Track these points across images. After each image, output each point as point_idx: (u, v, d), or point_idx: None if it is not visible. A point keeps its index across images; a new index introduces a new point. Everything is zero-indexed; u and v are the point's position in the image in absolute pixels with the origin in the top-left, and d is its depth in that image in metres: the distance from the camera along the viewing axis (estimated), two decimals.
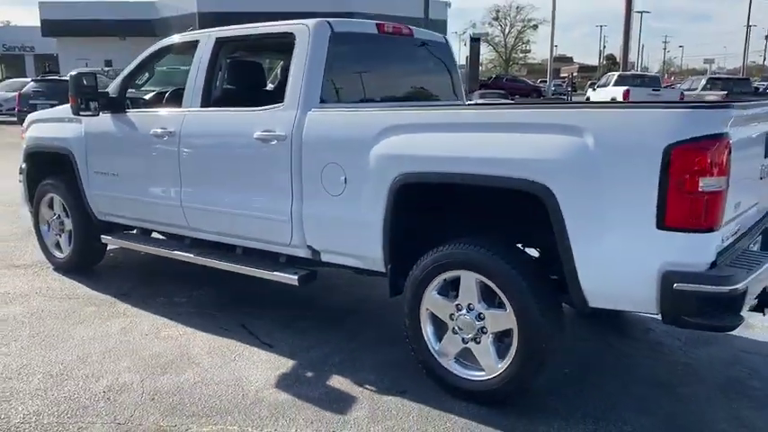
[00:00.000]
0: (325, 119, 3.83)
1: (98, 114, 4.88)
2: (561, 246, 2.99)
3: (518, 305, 3.17)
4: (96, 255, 5.66)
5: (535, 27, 75.74)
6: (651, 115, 2.83)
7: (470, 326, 3.36)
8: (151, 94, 5.48)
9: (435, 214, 3.59)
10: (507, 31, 78.35)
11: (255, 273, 4.23)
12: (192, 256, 4.62)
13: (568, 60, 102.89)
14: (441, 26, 43.12)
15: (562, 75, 74.74)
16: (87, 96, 4.77)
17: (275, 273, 4.12)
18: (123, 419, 3.23)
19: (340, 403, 3.42)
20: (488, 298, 3.30)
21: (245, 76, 4.78)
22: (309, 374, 3.77)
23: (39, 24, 40.83)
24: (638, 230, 2.80)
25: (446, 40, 5.08)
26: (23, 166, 5.87)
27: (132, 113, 4.93)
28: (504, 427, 3.21)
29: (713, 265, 2.81)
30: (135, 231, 5.28)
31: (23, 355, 3.99)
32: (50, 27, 40.45)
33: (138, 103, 5.28)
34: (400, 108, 3.88)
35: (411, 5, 40.29)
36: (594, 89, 25.10)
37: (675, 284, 2.74)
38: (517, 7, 74.89)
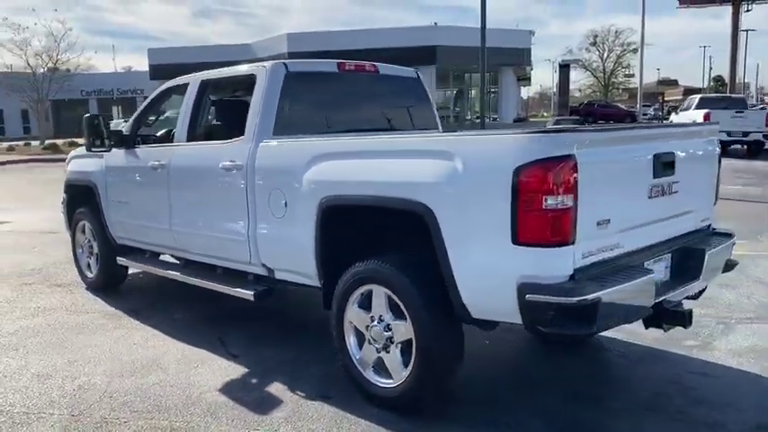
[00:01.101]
0: (271, 149, 4.26)
1: (109, 150, 5.57)
2: (442, 261, 3.24)
3: (415, 317, 3.42)
4: (118, 275, 6.33)
5: (635, 51, 73.63)
6: (504, 140, 3.06)
7: (381, 336, 3.63)
8: (161, 132, 6.13)
9: (356, 233, 3.90)
10: (606, 55, 76.69)
11: (220, 289, 4.69)
12: (177, 274, 5.16)
13: (673, 83, 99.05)
14: (524, 54, 43.01)
15: (667, 98, 72.00)
16: (98, 135, 5.46)
17: (236, 289, 4.55)
18: (77, 412, 3.73)
19: (266, 406, 3.77)
20: (395, 310, 3.57)
21: (224, 113, 5.32)
22: (254, 381, 4.15)
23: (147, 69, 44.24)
24: (499, 246, 3.00)
25: (417, 74, 5.41)
26: (64, 196, 6.69)
27: (140, 149, 5.58)
28: (404, 431, 3.44)
29: (572, 277, 2.97)
30: (147, 254, 5.90)
31: (25, 358, 4.62)
32: (157, 71, 43.74)
33: (149, 139, 5.94)
34: (326, 138, 4.24)
35: (493, 37, 40.45)
36: (677, 113, 24.28)
37: (527, 295, 2.93)
38: (615, 32, 73.16)
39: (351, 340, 3.83)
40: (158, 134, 6.10)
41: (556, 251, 2.93)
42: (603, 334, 4.77)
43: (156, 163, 5.21)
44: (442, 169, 3.21)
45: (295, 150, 4.11)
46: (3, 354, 4.72)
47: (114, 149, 5.67)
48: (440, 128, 5.56)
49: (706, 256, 3.66)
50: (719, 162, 4.06)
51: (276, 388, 4.02)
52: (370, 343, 3.71)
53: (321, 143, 4.03)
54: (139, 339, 4.98)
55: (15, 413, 3.74)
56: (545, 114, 39.83)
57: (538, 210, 2.88)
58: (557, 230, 2.90)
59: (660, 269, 3.57)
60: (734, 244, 4.10)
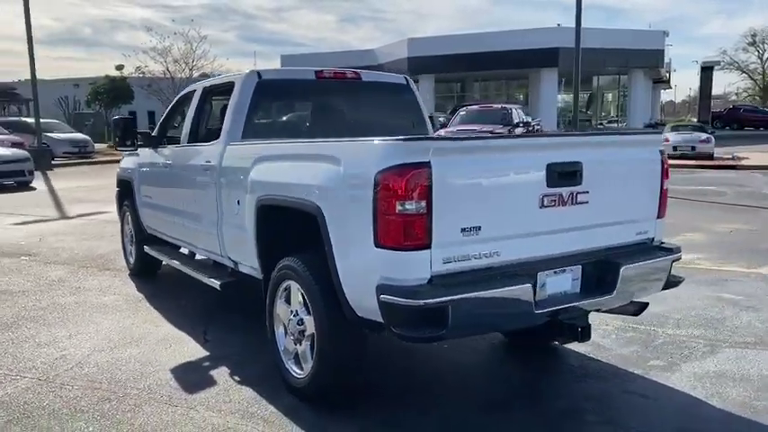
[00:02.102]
0: (233, 151, 4.61)
1: (136, 150, 6.21)
2: (329, 260, 3.42)
3: (316, 313, 3.63)
4: (150, 263, 6.97)
5: None
6: (371, 146, 3.18)
7: (296, 329, 3.86)
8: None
9: (284, 231, 4.14)
10: (766, 56, 70.30)
11: (197, 277, 5.11)
12: (175, 263, 5.66)
13: None
14: (657, 56, 40.75)
15: None
16: (127, 135, 6.10)
17: (209, 279, 4.95)
18: (44, 377, 4.28)
19: (199, 387, 4.10)
20: (307, 306, 3.78)
21: (213, 118, 5.75)
22: (206, 364, 4.52)
23: None
24: (366, 248, 3.14)
25: (407, 80, 5.54)
26: (117, 190, 7.47)
27: (160, 149, 6.16)
28: (304, 419, 3.65)
29: (430, 282, 3.04)
30: (167, 245, 6.48)
31: (37, 329, 5.30)
32: None
33: (174, 140, 6.52)
34: (265, 142, 4.50)
35: (622, 38, 38.74)
36: None
37: (381, 296, 3.04)
38: None
39: (279, 331, 4.08)
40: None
41: (410, 255, 3.02)
42: (572, 347, 4.70)
43: (165, 162, 5.75)
44: (329, 173, 3.39)
45: (246, 153, 4.43)
46: (23, 324, 5.44)
47: (143, 149, 6.30)
48: (429, 126, 5.63)
49: (621, 271, 3.54)
50: (664, 173, 3.87)
51: (220, 371, 4.35)
52: (290, 335, 3.94)
53: (260, 146, 4.32)
54: (139, 320, 5.53)
55: (0, 374, 4.36)
56: (693, 119, 37.33)
57: (393, 214, 2.99)
58: (411, 235, 2.99)
59: (564, 281, 3.51)
60: (675, 260, 3.90)
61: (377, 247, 3.07)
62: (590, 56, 38.66)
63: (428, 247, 3.02)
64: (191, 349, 4.81)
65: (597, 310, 3.87)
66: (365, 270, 3.18)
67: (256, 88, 4.78)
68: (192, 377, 4.28)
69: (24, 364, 4.53)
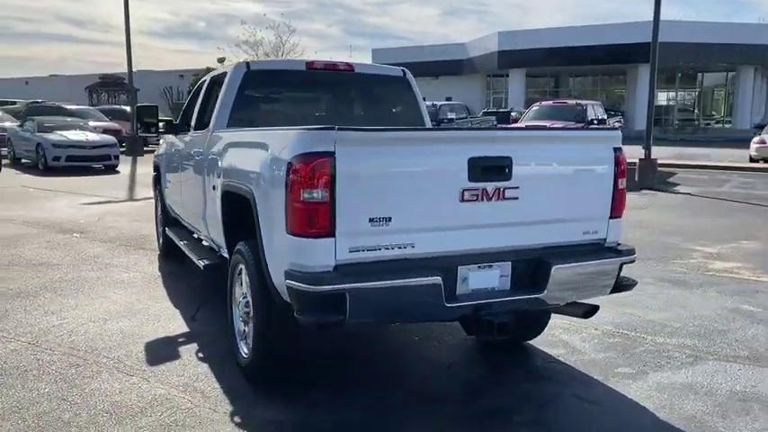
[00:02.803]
0: (213, 139, 4.82)
1: (158, 136, 6.58)
2: (259, 244, 3.54)
3: (252, 294, 3.77)
4: (175, 244, 7.35)
5: None
6: (288, 135, 3.25)
7: (243, 311, 4.02)
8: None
9: (243, 216, 4.29)
10: None
11: (191, 257, 5.37)
12: (182, 243, 5.95)
13: None
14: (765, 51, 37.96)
15: None
16: (149, 122, 6.47)
17: (198, 260, 5.20)
18: (35, 341, 4.66)
19: (162, 361, 4.34)
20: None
21: (211, 106, 5.96)
22: (180, 340, 4.77)
23: None
24: (282, 234, 3.24)
25: (404, 72, 5.55)
26: (153, 174, 7.93)
27: (180, 135, 6.49)
28: (239, 397, 3.80)
29: (336, 269, 3.10)
30: (184, 229, 6.81)
31: (53, 298, 5.75)
32: None
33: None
34: (232, 130, 4.64)
35: (728, 32, 36.49)
36: None
37: (287, 281, 3.13)
38: None
39: (235, 313, 4.25)
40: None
41: (314, 242, 3.09)
42: (543, 347, 4.62)
43: (177, 148, 6.07)
44: (260, 160, 3.52)
45: (220, 141, 4.62)
46: (42, 293, 5.91)
47: (169, 136, 6.66)
48: (426, 121, 5.62)
49: (552, 271, 3.45)
50: (620, 172, 3.71)
51: (189, 348, 4.59)
52: (241, 317, 4.11)
53: (228, 134, 4.49)
54: (144, 297, 5.88)
55: (13, 336, 4.80)
56: None
57: (299, 201, 3.07)
58: (314, 223, 3.06)
59: (490, 277, 3.46)
60: (625, 263, 3.74)
61: (287, 233, 3.16)
62: (694, 51, 36.68)
63: (332, 235, 3.08)
64: (176, 326, 5.08)
65: (545, 311, 3.78)
66: (281, 255, 3.28)
67: (244, 78, 4.96)
68: (161, 351, 4.53)
69: (24, 328, 4.95)
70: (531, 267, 3.51)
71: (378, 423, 3.54)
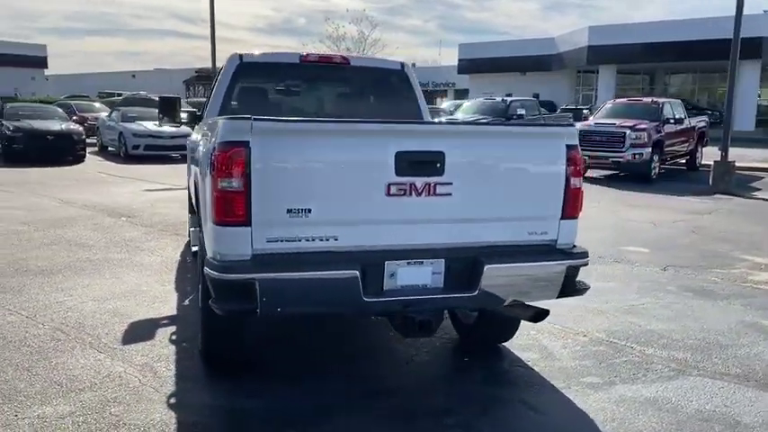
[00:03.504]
0: (198, 130, 4.96)
1: (179, 127, 6.83)
2: (201, 232, 3.63)
3: (199, 282, 3.87)
4: None
5: None
6: (218, 123, 3.28)
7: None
8: None
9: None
10: None
11: (192, 242, 5.55)
12: (192, 229, 6.16)
13: None
14: None
15: None
16: (170, 113, 6.73)
17: (193, 246, 5.37)
18: (33, 316, 4.98)
19: (135, 340, 4.53)
20: None
21: None
22: (163, 323, 4.95)
23: (456, 64, 46.81)
24: (209, 222, 3.30)
25: (402, 66, 5.49)
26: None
27: (195, 127, 6.72)
28: (185, 379, 3.92)
29: (253, 259, 3.13)
30: None
31: (71, 277, 6.11)
32: (464, 66, 46.08)
33: None
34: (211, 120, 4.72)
35: None
36: None
37: (204, 269, 3.20)
38: None
39: (199, 299, 4.37)
40: None
41: (231, 231, 3.14)
42: (517, 351, 4.49)
43: (191, 139, 6.28)
44: (204, 144, 3.60)
45: (200, 130, 4.75)
46: (63, 271, 6.29)
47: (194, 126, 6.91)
48: (425, 115, 5.53)
49: (484, 270, 3.33)
50: (573, 171, 3.52)
51: (165, 331, 4.76)
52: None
53: (203, 125, 4.60)
54: (152, 280, 6.13)
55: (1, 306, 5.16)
56: None
57: (217, 190, 3.12)
58: (230, 211, 3.11)
59: (421, 273, 3.38)
60: (575, 266, 3.55)
61: (211, 221, 3.23)
62: None
63: (247, 224, 3.11)
64: (166, 309, 5.28)
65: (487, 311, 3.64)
66: (209, 244, 3.34)
67: (236, 70, 5.08)
68: (139, 332, 4.72)
69: (30, 303, 5.29)
70: (465, 266, 3.40)
71: (308, 413, 3.55)
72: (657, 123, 15.83)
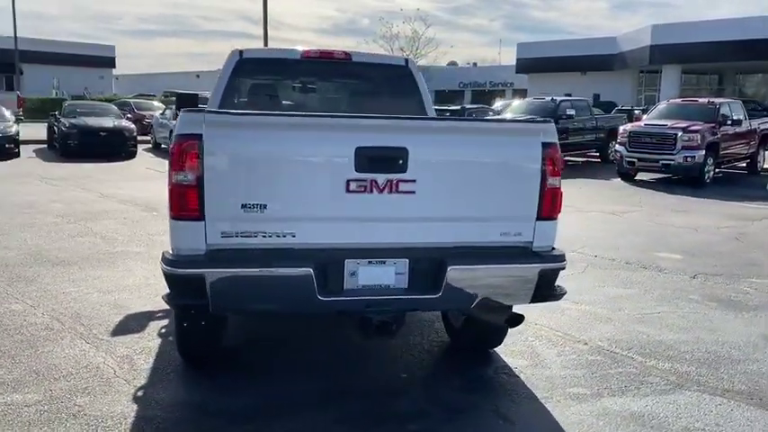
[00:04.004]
0: None
1: None
2: None
3: None
4: None
5: None
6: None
7: None
8: None
9: None
10: None
11: None
12: None
13: None
14: None
15: None
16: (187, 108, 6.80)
17: None
18: (37, 304, 5.11)
19: (125, 333, 4.60)
20: None
21: None
22: (158, 316, 4.98)
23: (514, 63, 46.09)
24: (168, 216, 3.28)
25: (406, 62, 5.36)
26: None
27: None
28: (159, 373, 3.93)
29: (207, 254, 3.10)
30: None
31: (82, 268, 6.26)
32: (523, 65, 45.30)
33: None
34: None
35: None
36: None
37: (160, 263, 3.18)
38: None
39: None
40: None
41: (185, 225, 3.11)
42: (507, 357, 4.33)
43: None
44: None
45: None
46: (80, 263, 6.45)
47: None
48: (429, 113, 5.37)
49: (447, 270, 3.19)
50: (550, 170, 3.34)
51: (156, 325, 4.79)
52: None
53: None
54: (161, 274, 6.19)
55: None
56: None
57: (172, 183, 3.10)
58: (184, 205, 3.08)
59: (384, 273, 3.27)
60: (549, 270, 3.36)
61: (169, 216, 3.21)
62: None
63: (201, 219, 3.07)
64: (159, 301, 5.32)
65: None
66: (169, 238, 3.32)
67: (236, 66, 5.06)
68: (132, 324, 4.77)
69: (38, 293, 5.44)
70: (433, 267, 3.26)
71: (275, 411, 3.49)
72: (713, 125, 15.11)
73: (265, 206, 3.10)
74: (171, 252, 3.16)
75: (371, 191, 3.15)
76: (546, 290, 3.38)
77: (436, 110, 5.78)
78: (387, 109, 5.21)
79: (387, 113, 5.14)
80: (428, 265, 3.27)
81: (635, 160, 15.01)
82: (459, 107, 23.51)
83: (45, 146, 19.36)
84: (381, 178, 3.15)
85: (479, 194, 3.30)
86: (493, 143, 3.32)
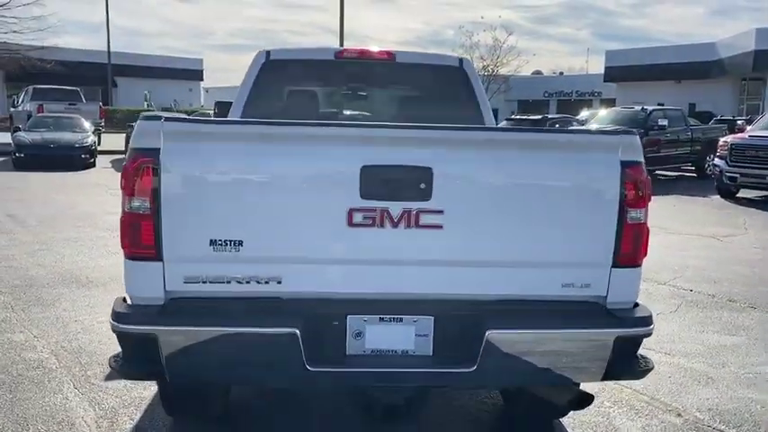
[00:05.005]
0: None
1: None
2: None
3: None
4: None
5: None
6: None
7: None
8: None
9: None
10: None
11: None
12: None
13: None
14: None
15: None
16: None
17: None
18: (35, 283, 4.61)
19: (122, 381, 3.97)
20: None
21: None
22: None
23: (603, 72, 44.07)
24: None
25: (461, 63, 4.51)
26: None
27: None
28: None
29: (168, 303, 2.40)
30: None
31: (109, 292, 5.76)
32: (612, 74, 43.24)
33: None
34: None
35: None
36: None
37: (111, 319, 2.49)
38: None
39: None
40: None
41: (139, 266, 2.41)
42: (573, 430, 3.39)
43: None
44: None
45: None
46: (105, 286, 5.95)
47: None
48: (487, 122, 4.51)
49: (487, 334, 2.33)
50: (632, 197, 2.43)
51: None
52: None
53: None
54: None
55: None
56: None
57: (124, 212, 2.42)
58: (137, 240, 2.39)
59: (400, 335, 2.45)
60: (630, 336, 2.44)
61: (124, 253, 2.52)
62: None
63: (157, 258, 2.36)
64: None
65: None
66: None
67: (262, 68, 4.39)
68: None
69: (49, 320, 4.94)
70: (466, 329, 2.42)
71: None
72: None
73: (241, 243, 2.35)
74: (124, 300, 2.47)
75: (383, 224, 2.35)
76: (624, 364, 2.47)
77: (517, 119, 4.95)
78: (437, 117, 4.39)
79: (437, 122, 4.34)
80: (460, 326, 2.43)
81: (737, 176, 13.45)
82: (540, 117, 22.27)
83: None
84: (396, 208, 2.34)
85: (532, 231, 2.43)
86: (552, 161, 2.44)
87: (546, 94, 52.08)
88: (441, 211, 2.35)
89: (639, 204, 2.44)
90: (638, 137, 2.46)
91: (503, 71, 40.30)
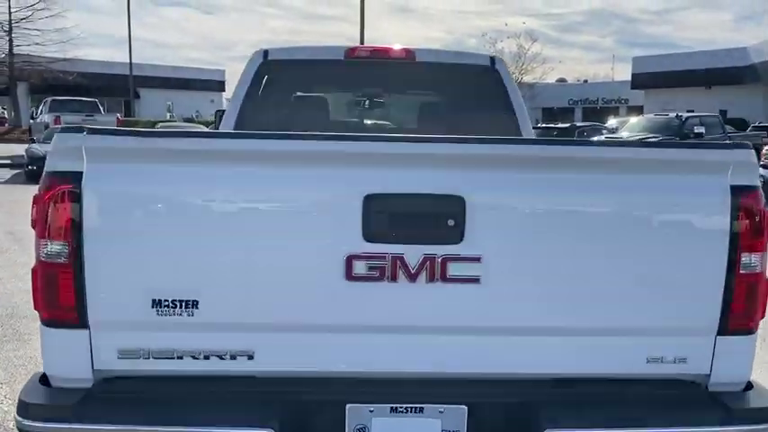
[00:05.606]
0: None
1: None
2: None
3: None
4: None
5: None
6: None
7: None
8: None
9: None
10: None
11: None
12: None
13: None
14: None
15: None
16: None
17: None
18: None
19: None
20: None
21: None
22: None
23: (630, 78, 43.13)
24: None
25: (493, 62, 3.79)
26: None
27: None
28: None
29: (96, 386, 1.74)
30: None
31: None
32: (639, 80, 42.28)
33: None
34: None
35: None
36: None
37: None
38: None
39: None
40: None
41: (56, 335, 1.75)
42: None
43: None
44: None
45: None
46: None
47: None
48: (525, 134, 3.79)
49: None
50: (743, 237, 1.72)
51: None
52: None
53: None
54: None
55: None
56: None
57: (37, 260, 1.76)
58: (50, 300, 1.73)
59: (419, 430, 1.75)
60: None
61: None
62: None
63: (81, 324, 1.70)
64: None
65: None
66: None
67: (258, 70, 3.72)
68: None
69: (30, 295, 4.35)
70: (514, 422, 1.71)
71: None
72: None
73: (196, 304, 1.68)
74: (40, 380, 1.80)
75: (395, 278, 1.66)
76: None
77: (542, 128, 4.24)
78: (467, 127, 3.68)
79: (466, 133, 3.63)
80: (505, 420, 1.73)
81: None
82: (568, 125, 21.44)
83: None
84: (414, 254, 1.65)
85: (605, 285, 1.73)
86: (631, 188, 1.72)
87: (571, 102, 51.16)
88: (477, 259, 1.65)
89: (757, 247, 1.73)
90: (753, 152, 1.74)
91: (527, 79, 39.54)
